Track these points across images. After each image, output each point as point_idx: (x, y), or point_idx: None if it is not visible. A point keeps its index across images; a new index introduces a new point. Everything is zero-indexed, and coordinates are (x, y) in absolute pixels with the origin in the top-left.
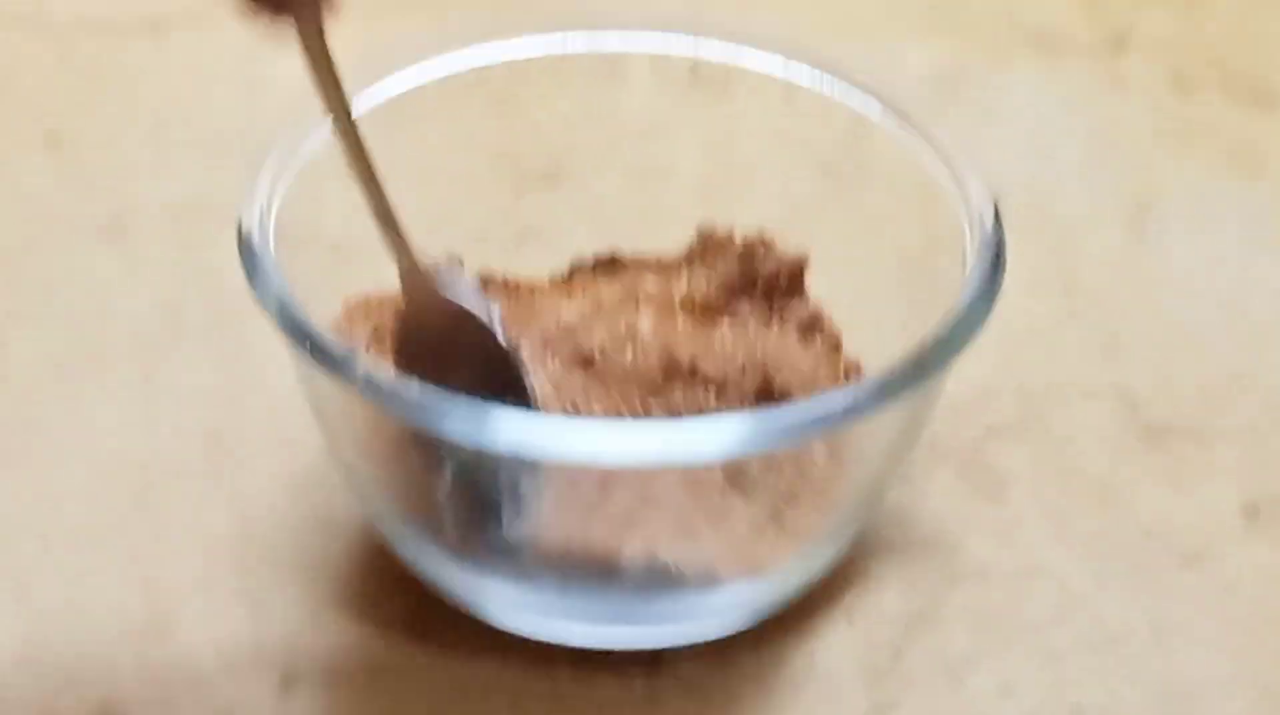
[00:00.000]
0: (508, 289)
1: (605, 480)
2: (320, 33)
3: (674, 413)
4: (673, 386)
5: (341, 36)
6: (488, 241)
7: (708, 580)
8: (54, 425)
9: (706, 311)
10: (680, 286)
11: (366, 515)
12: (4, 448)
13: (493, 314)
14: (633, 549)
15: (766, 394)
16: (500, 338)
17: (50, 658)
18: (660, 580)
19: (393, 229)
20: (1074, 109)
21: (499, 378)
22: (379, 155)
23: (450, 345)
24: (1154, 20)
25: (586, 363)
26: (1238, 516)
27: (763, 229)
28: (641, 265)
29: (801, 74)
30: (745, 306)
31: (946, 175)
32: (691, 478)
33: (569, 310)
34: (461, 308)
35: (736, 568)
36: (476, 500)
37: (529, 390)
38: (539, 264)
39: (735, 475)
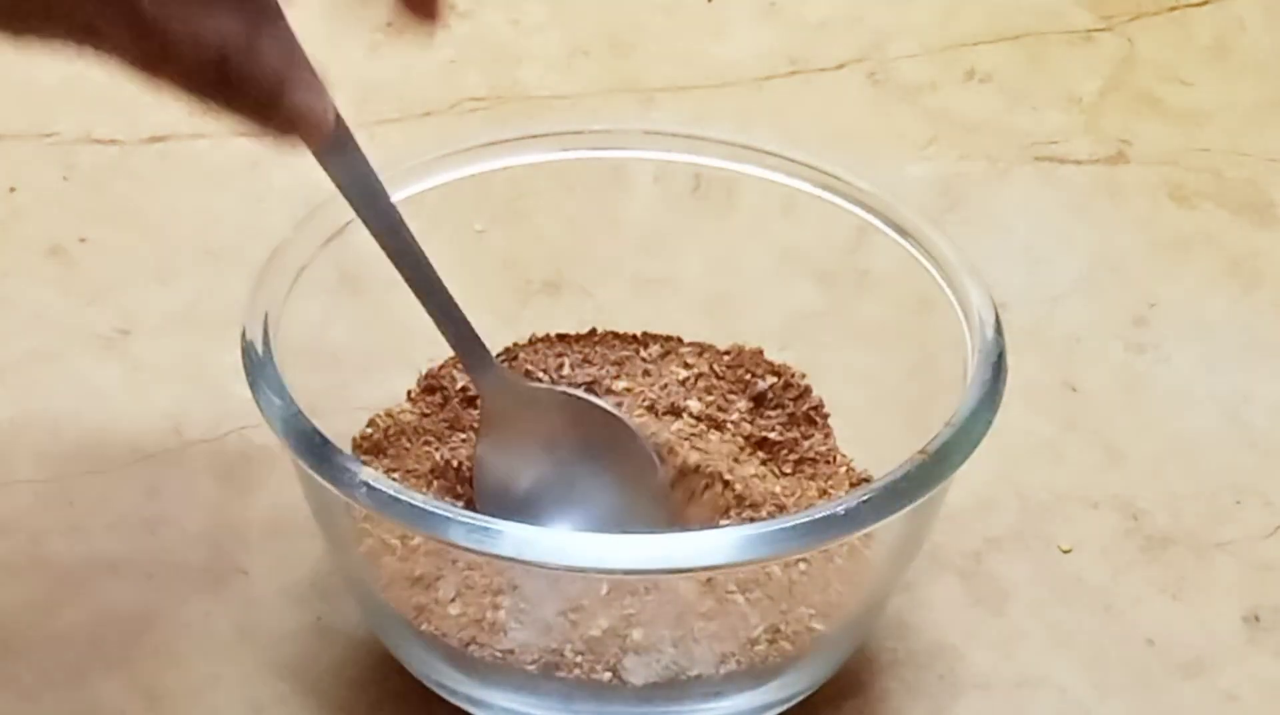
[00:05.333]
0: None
1: (608, 588)
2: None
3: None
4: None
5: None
6: (491, 349)
7: (710, 690)
8: (57, 533)
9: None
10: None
11: (369, 623)
12: (7, 556)
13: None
14: (634, 659)
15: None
16: (608, 407)
17: None
18: (662, 690)
19: (472, 343)
20: (1073, 220)
21: (611, 444)
22: (381, 261)
23: (549, 428)
24: (1152, 132)
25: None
26: (1239, 626)
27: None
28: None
29: (803, 184)
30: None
31: (947, 284)
32: (694, 586)
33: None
34: (558, 391)
35: (739, 678)
36: (480, 607)
37: (648, 449)
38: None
39: (738, 584)
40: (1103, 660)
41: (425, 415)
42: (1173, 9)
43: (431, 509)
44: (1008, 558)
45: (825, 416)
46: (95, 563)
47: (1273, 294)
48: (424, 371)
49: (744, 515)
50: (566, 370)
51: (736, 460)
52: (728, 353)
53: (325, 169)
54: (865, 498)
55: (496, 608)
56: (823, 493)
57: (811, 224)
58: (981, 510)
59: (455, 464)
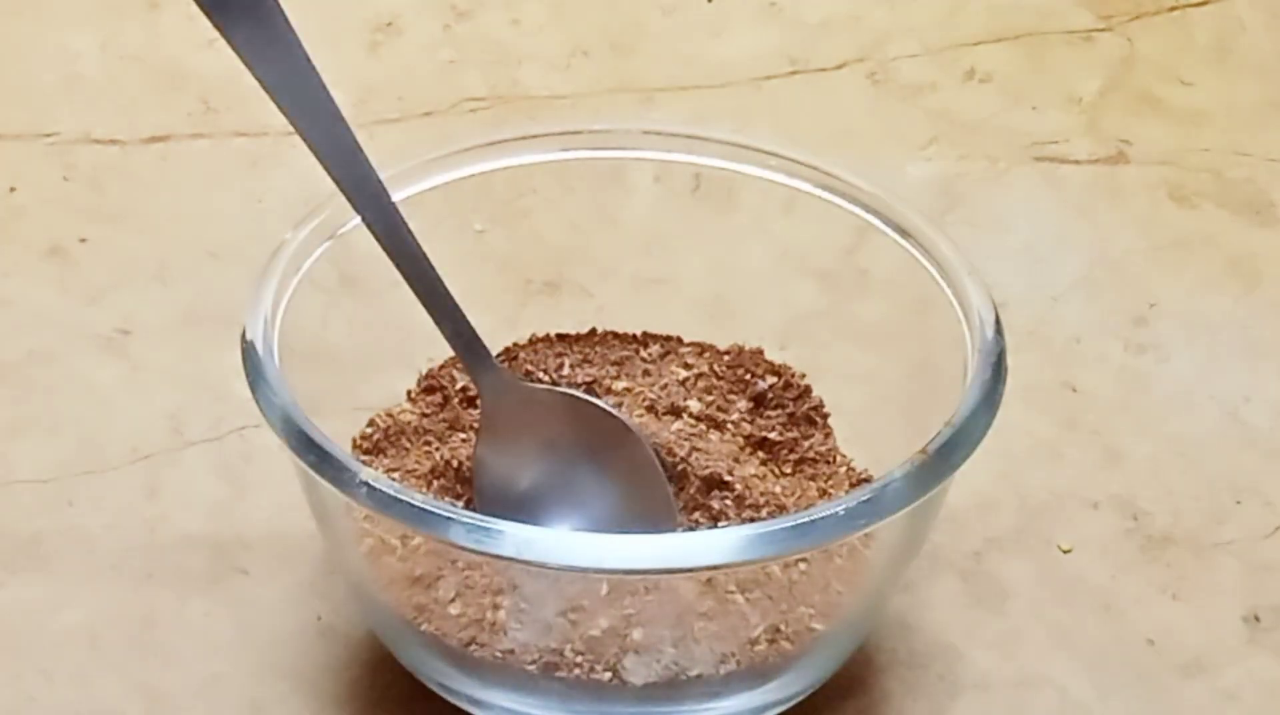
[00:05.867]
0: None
1: (608, 588)
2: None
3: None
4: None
5: None
6: (491, 349)
7: (710, 690)
8: (56, 534)
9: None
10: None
11: (369, 623)
12: (7, 556)
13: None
14: (634, 658)
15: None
16: (608, 408)
17: None
18: (662, 690)
19: (472, 343)
20: (1073, 220)
21: (613, 446)
22: (381, 261)
23: (551, 430)
24: (1152, 132)
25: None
26: (1239, 626)
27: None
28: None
29: (803, 184)
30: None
31: (947, 284)
32: (694, 586)
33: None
34: (559, 392)
35: (739, 678)
36: (480, 607)
37: (649, 450)
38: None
39: (738, 584)
40: (1103, 660)
41: (425, 415)
42: (1173, 9)
43: (431, 509)
44: (1008, 558)
45: (825, 416)
46: (95, 563)
47: (1273, 294)
48: (424, 371)
49: (744, 515)
50: (566, 370)
51: (736, 460)
52: (728, 353)
53: (325, 168)
54: (865, 498)
55: (496, 608)
56: (823, 493)
57: (811, 224)
58: (981, 510)
59: (455, 464)
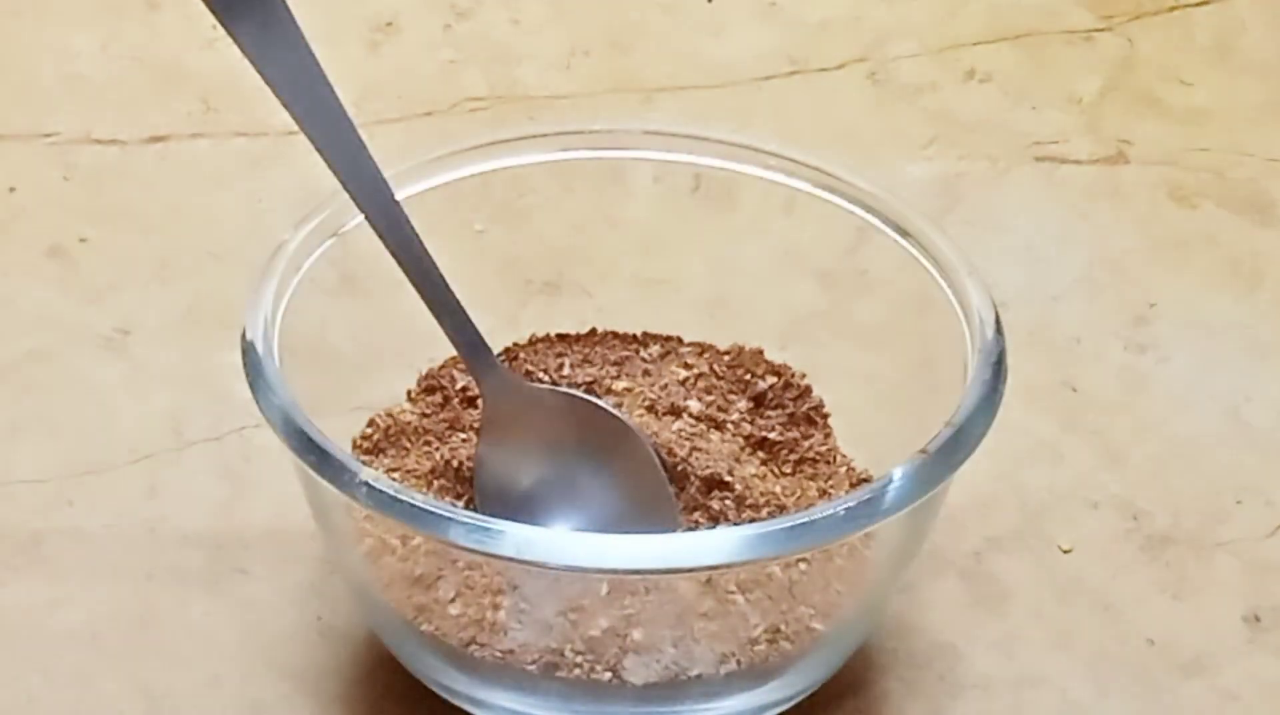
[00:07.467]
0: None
1: (608, 588)
2: None
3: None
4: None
5: None
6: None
7: (710, 690)
8: (56, 534)
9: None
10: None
11: (369, 623)
12: (7, 556)
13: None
14: (634, 658)
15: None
16: (609, 408)
17: None
18: (662, 690)
19: (475, 343)
20: (1073, 220)
21: (613, 446)
22: (381, 261)
23: (552, 430)
24: (1152, 132)
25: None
26: (1239, 626)
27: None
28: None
29: (803, 184)
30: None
31: (947, 284)
32: (694, 586)
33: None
34: (561, 392)
35: (739, 678)
36: (480, 607)
37: (649, 450)
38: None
39: (738, 584)
40: (1103, 660)
41: (425, 415)
42: (1173, 9)
43: (431, 509)
44: (1008, 558)
45: (825, 416)
46: (95, 563)
47: (1273, 294)
48: (424, 371)
49: (744, 515)
50: (566, 370)
51: (737, 460)
52: (728, 353)
53: (328, 165)
54: (865, 498)
55: (496, 608)
56: (823, 493)
57: (811, 224)
58: (981, 510)
59: (455, 464)
